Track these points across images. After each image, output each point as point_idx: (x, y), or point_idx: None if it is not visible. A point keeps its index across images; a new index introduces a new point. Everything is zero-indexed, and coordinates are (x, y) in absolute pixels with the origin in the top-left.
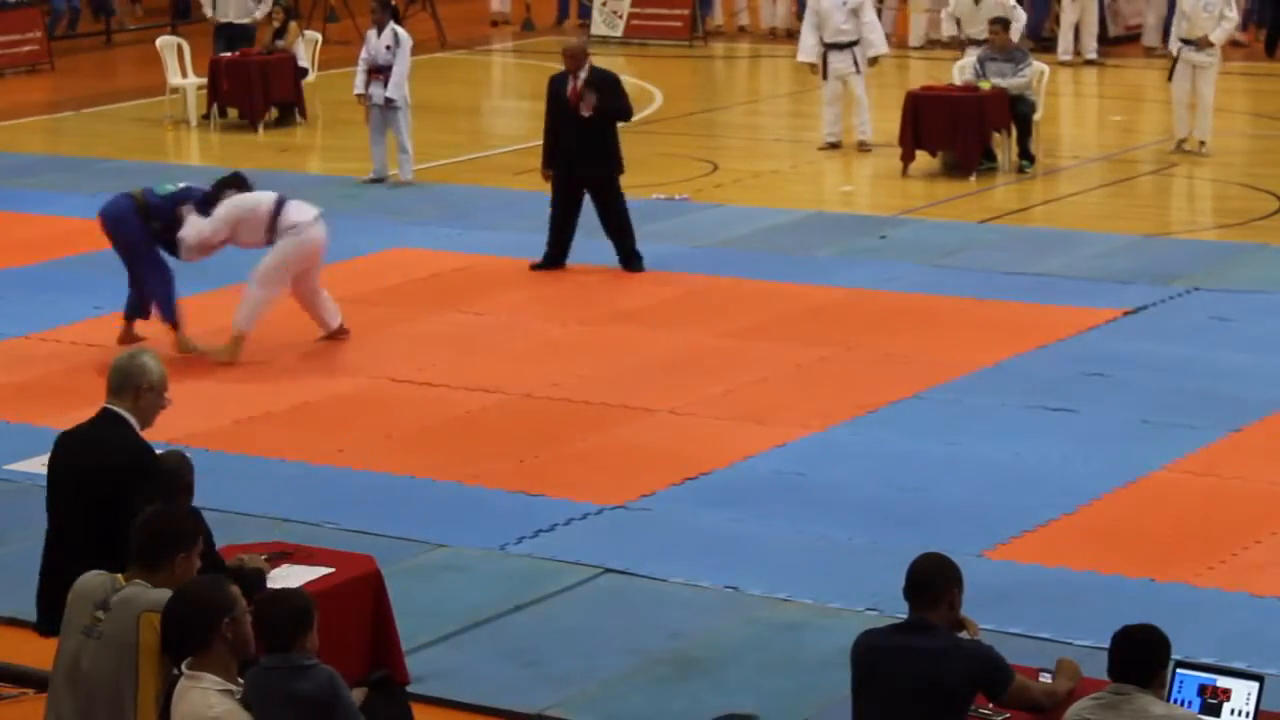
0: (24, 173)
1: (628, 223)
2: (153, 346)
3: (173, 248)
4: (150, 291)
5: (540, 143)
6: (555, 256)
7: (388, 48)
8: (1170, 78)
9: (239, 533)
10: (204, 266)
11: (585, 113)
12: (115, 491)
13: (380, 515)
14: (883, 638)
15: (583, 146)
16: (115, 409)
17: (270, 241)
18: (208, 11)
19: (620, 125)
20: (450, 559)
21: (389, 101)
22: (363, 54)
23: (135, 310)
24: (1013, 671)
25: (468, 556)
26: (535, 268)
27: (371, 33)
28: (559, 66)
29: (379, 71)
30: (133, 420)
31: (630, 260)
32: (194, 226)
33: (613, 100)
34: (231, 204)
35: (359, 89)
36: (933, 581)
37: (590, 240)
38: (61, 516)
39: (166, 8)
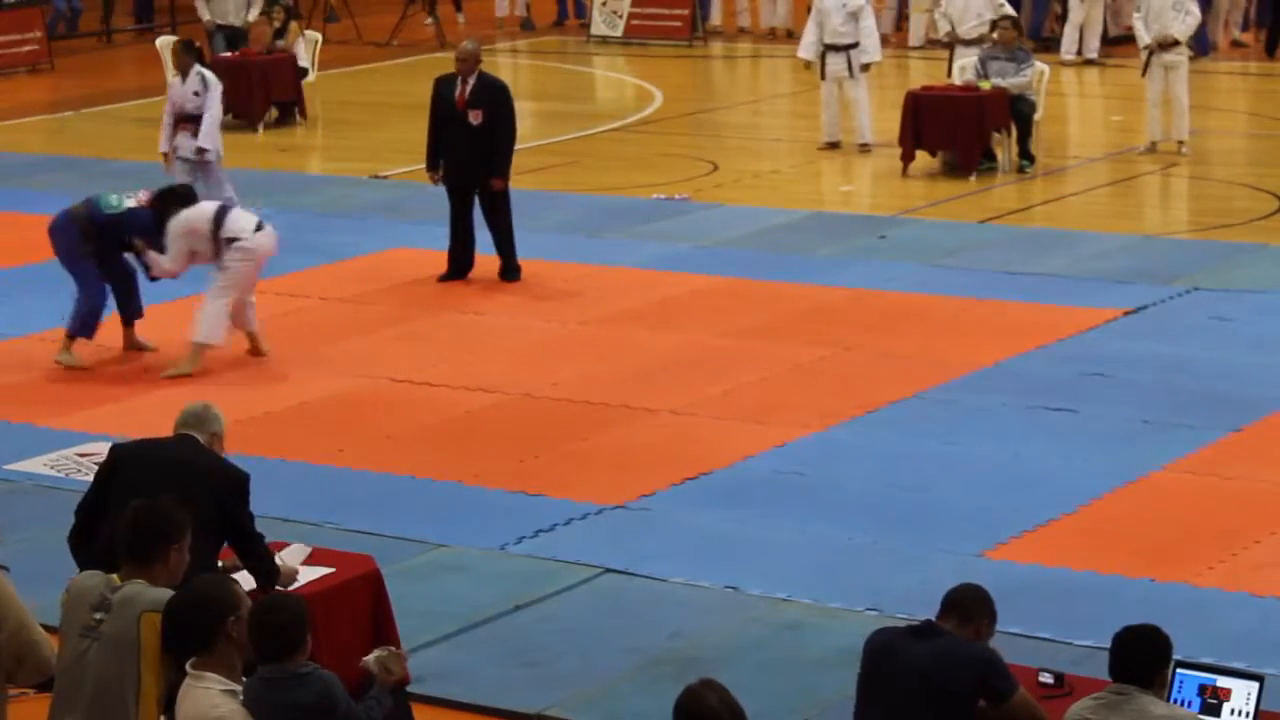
0: (24, 173)
1: (510, 232)
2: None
3: (144, 266)
4: (79, 303)
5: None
6: (459, 266)
7: (195, 94)
8: (1144, 73)
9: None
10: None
11: (473, 121)
12: (213, 508)
13: (380, 515)
14: (893, 638)
15: (471, 152)
16: (194, 435)
17: (217, 253)
18: (204, 15)
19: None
20: (450, 559)
21: (200, 152)
22: (167, 105)
23: (128, 314)
24: (1017, 683)
25: (468, 556)
26: (443, 279)
27: (175, 79)
28: (559, 66)
29: (186, 122)
30: None
31: (507, 271)
32: (159, 266)
33: (499, 118)
34: (178, 228)
35: (165, 145)
36: (967, 604)
37: (585, 240)
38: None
39: (162, 8)
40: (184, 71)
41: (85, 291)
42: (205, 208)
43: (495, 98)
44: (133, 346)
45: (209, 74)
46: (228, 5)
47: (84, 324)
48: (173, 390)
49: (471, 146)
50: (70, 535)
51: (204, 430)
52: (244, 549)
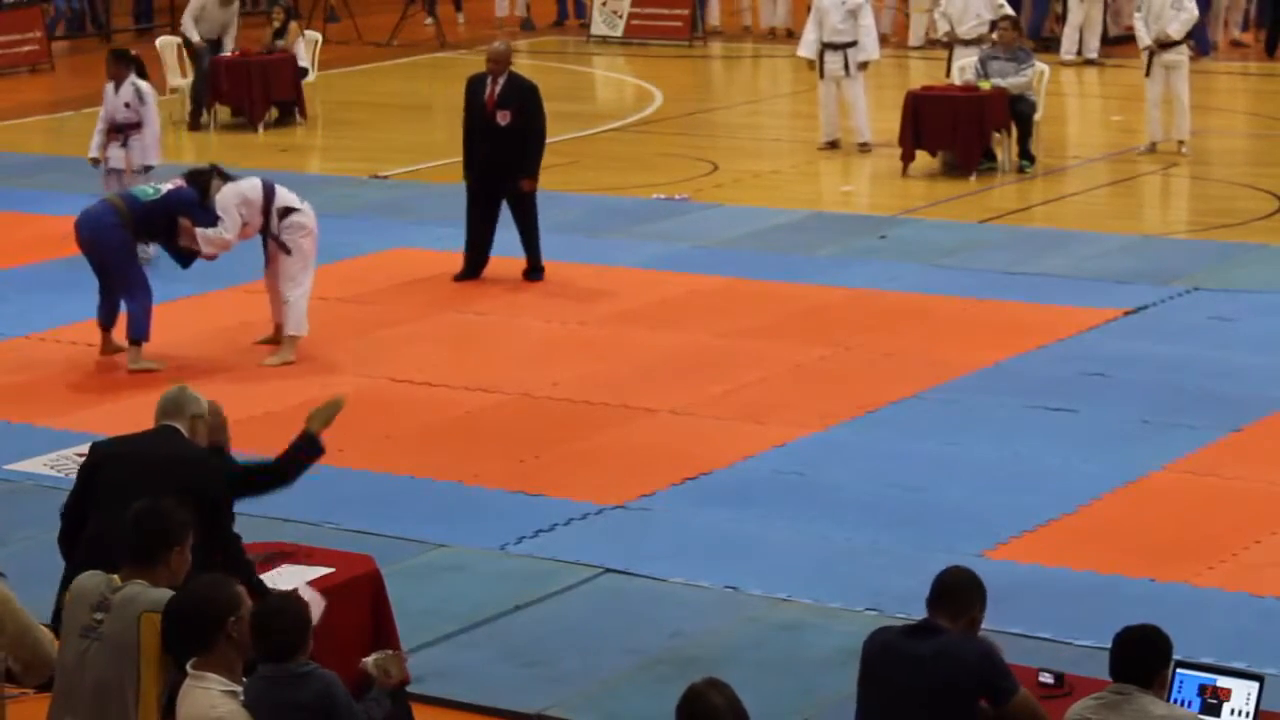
0: (24, 173)
1: (536, 234)
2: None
3: (179, 256)
4: (130, 308)
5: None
6: (474, 266)
7: (127, 105)
8: (1147, 73)
9: (240, 533)
10: (206, 268)
11: (501, 122)
12: (194, 496)
13: (380, 515)
14: (892, 638)
15: (499, 153)
16: (175, 425)
17: (265, 227)
18: (194, 35)
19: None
20: (450, 559)
21: (147, 169)
22: (101, 112)
23: (110, 321)
24: (1018, 682)
25: (468, 556)
26: (458, 278)
27: (109, 88)
28: (559, 66)
29: (118, 131)
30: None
31: (531, 271)
32: (212, 241)
33: (528, 118)
34: (232, 198)
35: (94, 151)
36: (958, 594)
37: (585, 240)
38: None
39: (161, 9)
40: (118, 81)
41: (139, 293)
42: (254, 180)
43: (524, 99)
44: (109, 351)
45: (144, 86)
46: (215, 25)
47: (145, 326)
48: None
49: (498, 147)
50: (59, 539)
51: (183, 415)
52: (222, 545)
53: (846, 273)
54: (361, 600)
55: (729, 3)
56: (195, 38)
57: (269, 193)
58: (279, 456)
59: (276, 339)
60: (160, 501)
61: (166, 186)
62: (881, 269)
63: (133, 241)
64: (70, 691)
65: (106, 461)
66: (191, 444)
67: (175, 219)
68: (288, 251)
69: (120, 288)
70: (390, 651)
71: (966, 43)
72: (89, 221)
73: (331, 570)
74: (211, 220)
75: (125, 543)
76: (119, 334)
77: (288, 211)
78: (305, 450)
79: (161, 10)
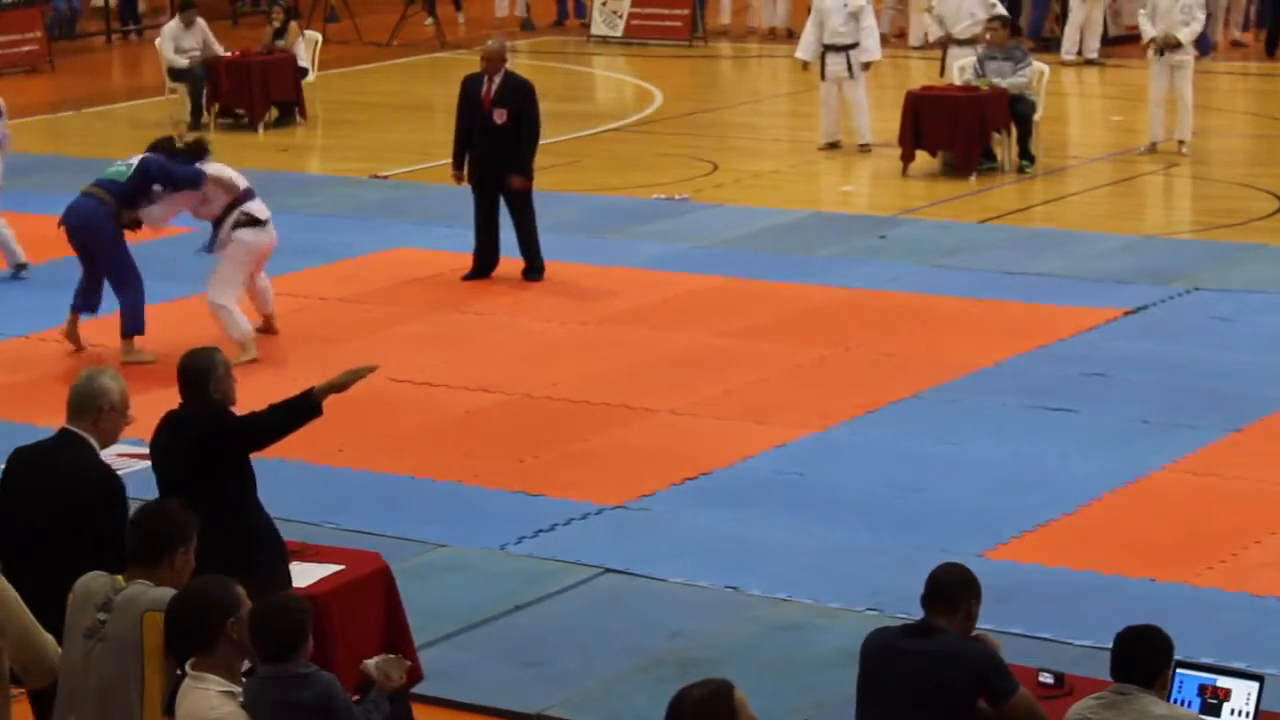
0: (24, 173)
1: (534, 232)
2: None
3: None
4: (122, 302)
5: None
6: (484, 265)
7: None
8: (1159, 56)
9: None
10: (195, 270)
11: (497, 120)
12: (79, 515)
13: (380, 515)
14: (891, 638)
15: (495, 151)
16: (75, 430)
17: (224, 218)
18: (180, 62)
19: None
20: (450, 559)
21: None
22: None
23: (85, 305)
24: (1018, 683)
25: (468, 556)
26: (466, 278)
27: None
28: (559, 66)
29: None
30: (93, 441)
31: (530, 270)
32: (152, 218)
33: (524, 118)
34: (214, 171)
35: None
36: (952, 590)
37: (585, 240)
38: (20, 535)
39: (160, 9)
40: None
41: (130, 284)
42: (238, 176)
43: (520, 97)
44: (73, 336)
45: None
46: (189, 48)
47: (138, 320)
48: (170, 391)
49: (495, 145)
50: None
51: (89, 412)
52: (105, 557)
53: (846, 273)
54: (375, 596)
55: (737, 1)
56: (181, 63)
57: (247, 193)
58: (271, 406)
59: (268, 328)
60: (165, 502)
61: (135, 159)
62: (881, 269)
63: (122, 231)
64: (75, 692)
65: (9, 477)
66: (77, 452)
67: (151, 188)
68: (211, 249)
69: (113, 280)
70: (391, 656)
71: (961, 43)
72: (81, 221)
73: (341, 568)
74: (188, 173)
75: (129, 543)
76: (96, 331)
77: (246, 223)
78: (298, 407)
79: (159, 10)
